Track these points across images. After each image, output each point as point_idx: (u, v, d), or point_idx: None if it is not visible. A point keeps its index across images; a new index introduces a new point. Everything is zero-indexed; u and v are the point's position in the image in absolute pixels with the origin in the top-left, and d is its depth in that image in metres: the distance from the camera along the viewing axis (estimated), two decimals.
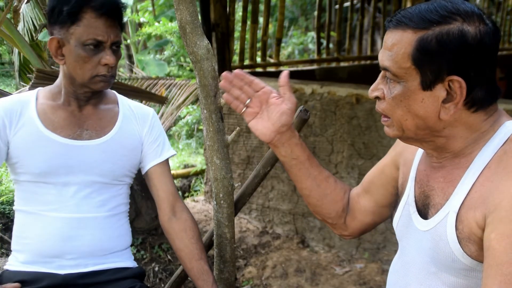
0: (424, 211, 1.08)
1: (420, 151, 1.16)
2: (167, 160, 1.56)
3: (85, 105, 1.46)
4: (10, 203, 3.46)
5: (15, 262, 1.46)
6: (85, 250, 1.44)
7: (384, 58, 0.99)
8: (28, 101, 1.44)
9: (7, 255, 1.51)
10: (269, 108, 1.20)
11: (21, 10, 3.41)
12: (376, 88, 1.03)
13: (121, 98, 1.56)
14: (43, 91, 1.47)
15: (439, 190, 1.05)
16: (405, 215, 1.14)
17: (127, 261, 1.54)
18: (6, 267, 1.47)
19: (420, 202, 1.10)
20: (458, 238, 0.97)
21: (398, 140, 1.25)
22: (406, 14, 0.96)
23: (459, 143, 1.01)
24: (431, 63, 0.94)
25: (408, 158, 1.20)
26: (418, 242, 1.09)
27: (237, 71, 1.20)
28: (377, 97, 1.03)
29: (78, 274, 1.43)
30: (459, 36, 0.92)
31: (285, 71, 1.19)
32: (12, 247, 1.49)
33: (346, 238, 1.37)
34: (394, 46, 0.96)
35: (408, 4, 5.12)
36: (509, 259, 0.86)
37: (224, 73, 1.19)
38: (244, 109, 1.20)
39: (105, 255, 1.47)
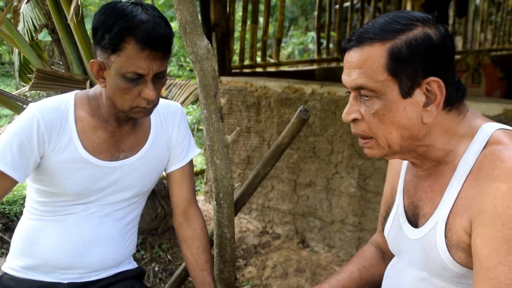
0: (414, 221, 1.09)
1: (405, 162, 1.17)
2: (190, 161, 1.52)
3: (124, 124, 1.39)
4: (10, 203, 3.46)
5: (15, 266, 1.42)
6: (94, 266, 1.43)
7: (354, 77, 0.98)
8: (67, 113, 1.33)
9: (7, 255, 1.49)
10: None
11: (21, 10, 3.40)
12: (351, 111, 1.02)
13: None
14: (81, 100, 1.37)
15: (427, 200, 1.06)
16: (395, 225, 1.15)
17: (128, 265, 1.54)
18: (4, 269, 1.44)
19: (410, 212, 1.11)
20: (448, 246, 0.98)
21: (389, 164, 1.27)
22: (367, 30, 0.97)
23: (439, 149, 1.02)
24: (406, 70, 0.95)
25: (395, 169, 1.21)
26: (409, 250, 1.10)
27: None
28: (354, 120, 1.03)
29: (82, 283, 1.43)
30: (425, 38, 0.94)
31: None
32: (15, 249, 1.44)
33: None
34: (365, 62, 0.96)
35: (408, 4, 5.12)
36: (494, 263, 0.87)
37: None
38: None
39: (111, 268, 1.47)
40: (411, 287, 1.09)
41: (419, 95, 0.96)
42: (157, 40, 1.21)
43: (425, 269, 1.05)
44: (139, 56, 1.20)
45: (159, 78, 1.27)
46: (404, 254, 1.13)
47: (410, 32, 0.95)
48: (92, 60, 1.27)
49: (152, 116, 1.46)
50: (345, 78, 1.01)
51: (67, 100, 1.35)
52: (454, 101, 0.99)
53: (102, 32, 1.22)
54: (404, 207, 1.13)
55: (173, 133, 1.48)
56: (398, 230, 1.14)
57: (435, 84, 0.95)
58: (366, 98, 0.99)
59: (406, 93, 0.96)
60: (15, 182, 1.29)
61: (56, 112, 1.32)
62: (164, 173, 1.55)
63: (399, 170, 1.19)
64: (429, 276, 1.05)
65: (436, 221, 1.01)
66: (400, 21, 0.96)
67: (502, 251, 0.87)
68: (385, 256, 1.33)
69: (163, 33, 1.22)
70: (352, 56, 0.99)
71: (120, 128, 1.39)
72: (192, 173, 1.54)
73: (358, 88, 0.99)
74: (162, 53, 1.23)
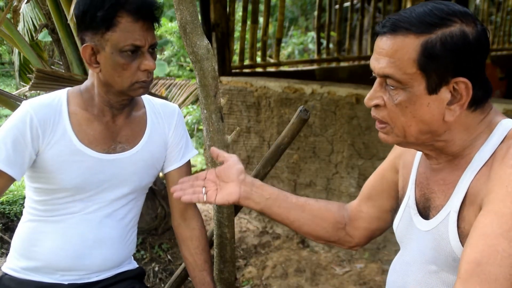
0: (425, 213, 1.08)
1: (419, 154, 1.16)
2: (187, 162, 1.53)
3: (119, 114, 1.39)
4: (10, 203, 3.46)
5: (16, 267, 1.42)
6: (94, 267, 1.42)
7: (383, 65, 0.96)
8: (60, 108, 1.34)
9: (7, 255, 1.48)
10: (222, 176, 1.26)
11: (21, 10, 3.41)
12: (374, 96, 1.01)
13: (147, 99, 1.49)
14: (73, 95, 1.37)
15: (439, 192, 1.05)
16: (406, 216, 1.14)
17: (129, 265, 1.54)
18: (4, 269, 1.44)
19: (421, 204, 1.10)
20: (460, 236, 0.98)
21: (394, 147, 1.25)
22: (403, 18, 0.94)
23: (457, 145, 1.01)
24: (437, 67, 0.93)
25: (407, 161, 1.20)
26: (419, 242, 1.09)
27: (180, 181, 1.31)
28: (376, 105, 1.01)
29: (82, 284, 1.42)
30: (461, 37, 0.92)
31: (212, 148, 1.32)
32: (15, 250, 1.44)
33: (355, 249, 1.38)
34: (396, 52, 0.94)
35: (408, 4, 5.12)
36: (494, 233, 0.85)
37: (173, 188, 1.29)
38: (204, 196, 1.25)
39: (111, 269, 1.47)
40: (418, 280, 1.08)
41: (445, 93, 0.95)
42: (149, 10, 1.26)
43: (434, 261, 1.04)
44: (134, 27, 1.24)
45: (153, 51, 1.31)
46: (413, 247, 1.12)
47: (447, 28, 0.92)
48: (84, 45, 1.27)
49: (148, 112, 1.47)
50: (373, 63, 0.99)
51: (59, 96, 1.36)
52: (479, 101, 0.98)
53: (92, 12, 1.23)
54: (416, 199, 1.12)
55: (170, 133, 1.48)
56: (408, 222, 1.13)
57: (463, 85, 0.94)
58: (392, 87, 0.97)
59: (433, 90, 0.94)
60: (11, 179, 1.28)
61: (49, 108, 1.32)
62: (161, 174, 1.55)
63: (412, 162, 1.17)
64: (438, 269, 1.04)
65: (448, 212, 1.00)
66: (438, 14, 0.93)
67: (506, 225, 0.85)
68: (343, 226, 1.31)
69: (152, 3, 1.27)
70: (384, 43, 0.96)
71: (114, 119, 1.39)
72: (189, 174, 1.54)
73: (385, 77, 0.97)
74: (154, 23, 1.29)
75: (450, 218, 0.99)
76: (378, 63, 0.97)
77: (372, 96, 1.01)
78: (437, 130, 0.98)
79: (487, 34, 0.96)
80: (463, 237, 0.97)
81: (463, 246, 0.96)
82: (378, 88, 1.00)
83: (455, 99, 0.95)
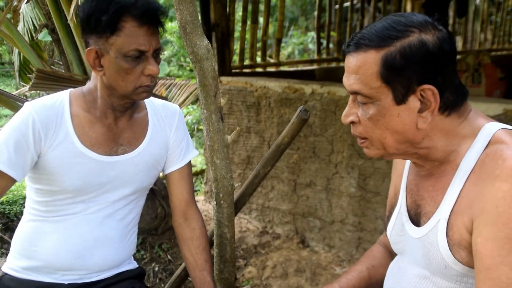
0: (416, 220, 1.10)
1: (408, 161, 1.18)
2: (188, 162, 1.53)
3: (121, 117, 1.40)
4: (10, 203, 3.46)
5: (16, 267, 1.42)
6: (95, 267, 1.43)
7: (351, 82, 1.00)
8: (63, 110, 1.34)
9: (7, 255, 1.48)
10: None
11: (21, 10, 3.40)
12: (349, 113, 1.04)
13: (148, 101, 1.49)
14: (75, 96, 1.37)
15: (429, 198, 1.06)
16: (398, 224, 1.15)
17: (129, 265, 1.54)
18: (4, 269, 1.44)
19: (412, 211, 1.11)
20: (449, 244, 0.99)
21: (393, 165, 1.27)
22: (364, 35, 0.98)
23: (440, 151, 1.02)
24: (400, 78, 0.95)
25: (399, 169, 1.22)
26: (411, 249, 1.11)
27: None
28: (352, 122, 1.04)
29: (83, 283, 1.43)
30: (420, 46, 0.94)
31: None
32: (15, 249, 1.44)
33: None
34: (360, 68, 0.97)
35: (408, 4, 5.12)
36: (495, 263, 0.88)
37: None
38: None
39: (112, 269, 1.47)
40: (413, 285, 1.09)
41: (413, 102, 0.97)
42: (154, 15, 1.26)
43: (426, 267, 1.06)
44: (139, 32, 1.24)
45: (157, 56, 1.31)
46: (406, 253, 1.13)
47: (406, 40, 0.94)
48: (88, 48, 1.27)
49: (149, 113, 1.47)
50: (344, 80, 1.03)
51: (62, 97, 1.36)
52: (453, 105, 0.99)
53: (97, 16, 1.23)
54: (407, 206, 1.13)
55: (171, 134, 1.49)
56: (400, 229, 1.14)
57: (429, 91, 0.95)
58: (362, 103, 1.01)
59: (400, 100, 0.97)
60: (12, 181, 1.29)
61: (51, 110, 1.32)
62: (161, 174, 1.55)
63: (402, 170, 1.19)
64: (431, 274, 1.05)
65: (438, 220, 1.01)
66: (396, 27, 0.95)
67: (503, 250, 0.87)
68: (393, 256, 1.34)
69: (158, 8, 1.27)
70: (350, 61, 1.00)
71: (116, 121, 1.39)
72: (190, 174, 1.55)
73: (355, 93, 1.01)
74: (158, 28, 1.29)
75: (439, 226, 1.01)
76: (347, 81, 1.01)
77: (347, 113, 1.05)
78: (413, 138, 1.00)
79: (451, 39, 0.97)
80: (452, 245, 0.98)
81: (453, 254, 0.98)
82: (352, 105, 1.04)
83: (426, 106, 0.97)
